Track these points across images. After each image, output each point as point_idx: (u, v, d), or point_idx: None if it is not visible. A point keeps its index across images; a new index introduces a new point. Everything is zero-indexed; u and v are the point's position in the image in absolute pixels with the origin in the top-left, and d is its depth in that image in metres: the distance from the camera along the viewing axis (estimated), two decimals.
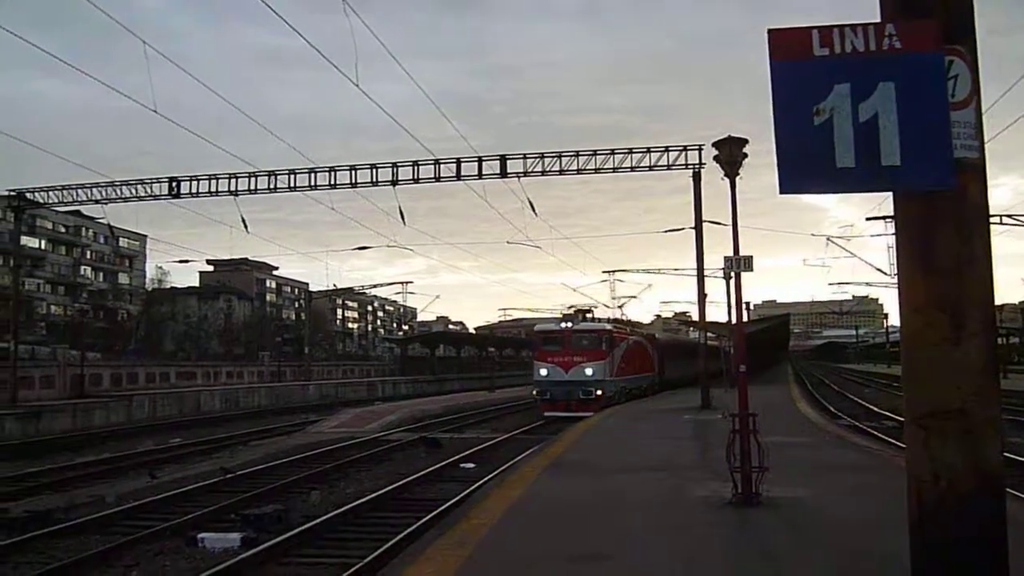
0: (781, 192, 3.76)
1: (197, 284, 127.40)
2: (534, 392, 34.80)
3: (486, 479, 16.11)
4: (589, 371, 33.20)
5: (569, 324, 34.81)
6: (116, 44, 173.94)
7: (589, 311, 37.32)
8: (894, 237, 4.02)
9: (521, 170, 33.40)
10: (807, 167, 3.71)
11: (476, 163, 33.68)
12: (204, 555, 11.57)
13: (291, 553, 11.47)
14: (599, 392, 32.84)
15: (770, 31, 3.83)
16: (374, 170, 34.13)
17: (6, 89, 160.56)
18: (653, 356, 44.67)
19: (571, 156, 33.39)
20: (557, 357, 33.71)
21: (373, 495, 15.40)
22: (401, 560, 8.72)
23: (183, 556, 11.60)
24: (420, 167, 33.86)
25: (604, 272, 52.95)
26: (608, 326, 36.53)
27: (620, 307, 49.50)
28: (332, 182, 34.56)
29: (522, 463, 15.87)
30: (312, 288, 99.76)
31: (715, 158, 12.51)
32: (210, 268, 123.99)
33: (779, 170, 3.71)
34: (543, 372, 33.93)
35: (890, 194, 4.01)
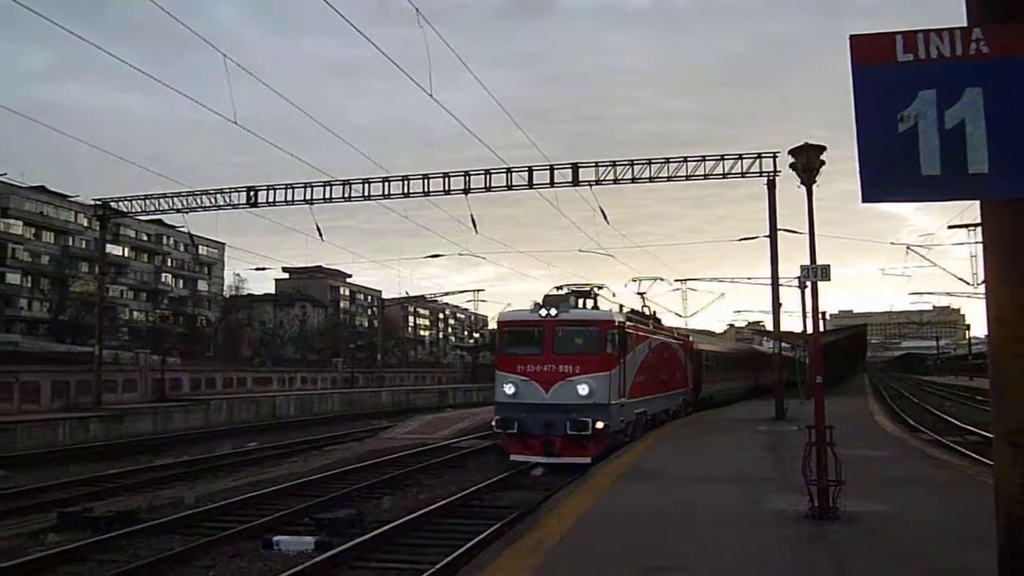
0: (864, 201, 3.69)
1: (273, 291, 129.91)
2: (493, 422, 20.80)
3: (558, 488, 16.08)
4: (584, 389, 19.70)
5: (552, 312, 20.45)
6: (195, 57, 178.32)
7: (591, 292, 22.57)
8: (979, 246, 3.93)
9: (593, 178, 33.27)
10: (890, 175, 3.63)
11: (548, 171, 33.65)
12: (279, 557, 11.77)
13: (364, 557, 11.60)
14: (600, 424, 19.36)
15: (852, 37, 3.77)
16: (446, 178, 34.36)
17: (89, 101, 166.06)
18: (686, 365, 32.22)
19: (643, 164, 33.15)
20: (532, 365, 20.21)
21: (444, 501, 15.49)
22: (472, 567, 8.76)
23: (259, 558, 11.81)
24: (492, 175, 33.98)
25: (676, 280, 52.33)
26: (618, 316, 21.89)
27: (640, 293, 29.53)
28: (406, 191, 34.85)
29: (595, 471, 15.80)
30: (384, 296, 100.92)
31: (791, 165, 12.33)
32: (286, 275, 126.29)
33: (861, 178, 3.65)
34: (508, 390, 20.23)
35: (973, 202, 3.91)
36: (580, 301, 21.84)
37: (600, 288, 22.90)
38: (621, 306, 23.69)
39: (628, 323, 22.29)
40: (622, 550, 9.36)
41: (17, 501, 16.98)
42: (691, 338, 34.92)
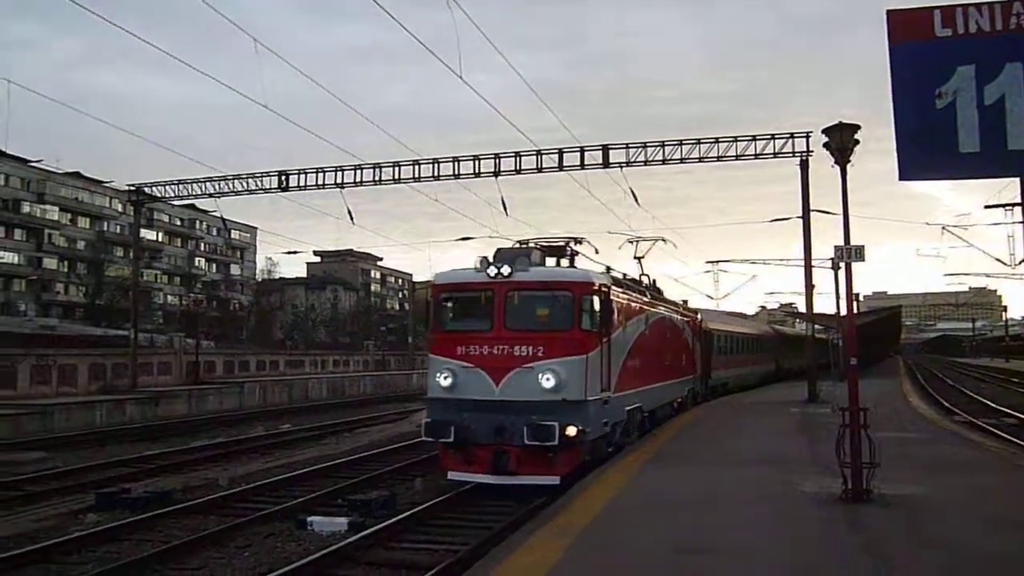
0: (901, 179, 3.65)
1: (304, 275, 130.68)
2: (423, 425, 15.14)
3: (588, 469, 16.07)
4: (549, 379, 13.97)
5: (504, 271, 14.69)
6: (226, 42, 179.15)
7: (565, 247, 17.01)
8: (1017, 227, 3.85)
9: (623, 160, 33.08)
10: (928, 153, 3.59)
11: (578, 153, 33.50)
12: (313, 538, 11.89)
13: (397, 538, 11.69)
14: (572, 429, 13.67)
15: (889, 12, 3.71)
16: (476, 161, 34.30)
17: (122, 87, 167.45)
18: (693, 346, 27.01)
19: (674, 145, 32.92)
20: (477, 346, 14.61)
21: (475, 483, 15.53)
22: (504, 548, 8.79)
23: (293, 538, 11.94)
24: (522, 158, 33.89)
25: (707, 262, 51.82)
26: (599, 277, 15.85)
27: (638, 257, 23.23)
28: (435, 174, 34.83)
29: (625, 454, 15.79)
30: (415, 279, 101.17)
31: (825, 145, 12.13)
32: (317, 259, 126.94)
33: (899, 156, 3.60)
34: (443, 381, 14.59)
35: (1012, 180, 3.85)
36: (551, 261, 16.17)
37: (579, 242, 17.01)
38: (609, 268, 17.62)
39: (615, 288, 16.12)
40: (653, 531, 9.36)
41: (57, 482, 17.29)
42: (700, 315, 29.85)
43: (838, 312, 35.84)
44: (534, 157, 33.69)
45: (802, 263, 32.66)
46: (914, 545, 8.71)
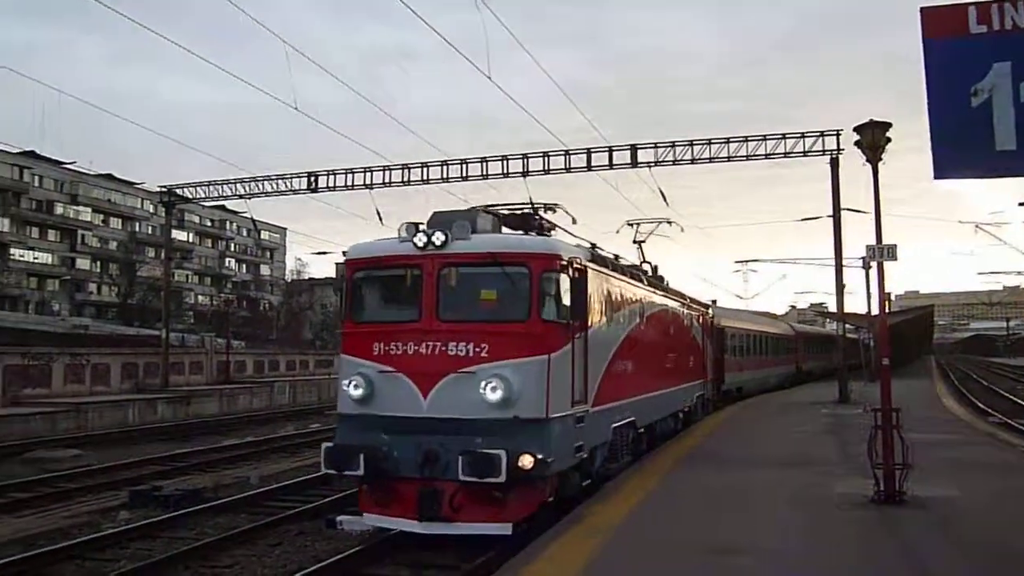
0: (936, 177, 3.60)
1: (334, 275, 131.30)
2: (323, 452, 10.94)
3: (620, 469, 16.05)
4: (495, 389, 10.07)
5: (436, 239, 10.74)
6: (256, 44, 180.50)
7: (533, 215, 12.93)
8: None
9: (652, 159, 32.98)
10: (964, 151, 3.54)
11: (607, 153, 33.44)
12: (342, 537, 11.92)
13: (429, 536, 11.68)
14: (527, 460, 9.75)
15: (923, 9, 3.66)
16: (505, 161, 34.31)
17: (153, 89, 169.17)
18: (703, 346, 23.52)
19: (703, 144, 32.76)
20: (400, 343, 10.73)
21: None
22: (537, 546, 8.78)
23: (323, 537, 11.99)
24: (550, 158, 33.87)
25: (737, 262, 51.54)
26: (568, 249, 11.52)
27: (638, 241, 19.96)
28: (464, 174, 34.88)
29: (657, 454, 15.74)
30: None
31: (856, 143, 12.04)
32: None
33: (934, 154, 3.55)
34: (353, 391, 10.80)
35: None
36: (499, 220, 12.20)
37: (552, 209, 13.34)
38: (594, 246, 13.37)
39: (594, 267, 12.25)
40: (684, 531, 9.32)
41: (90, 479, 17.49)
42: (711, 311, 26.34)
43: (869, 312, 35.59)
44: (562, 157, 33.65)
45: (832, 262, 32.41)
46: (948, 547, 8.61)
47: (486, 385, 10.00)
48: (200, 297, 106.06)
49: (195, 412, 35.62)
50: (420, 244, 10.69)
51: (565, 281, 10.93)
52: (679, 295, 20.67)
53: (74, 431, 27.49)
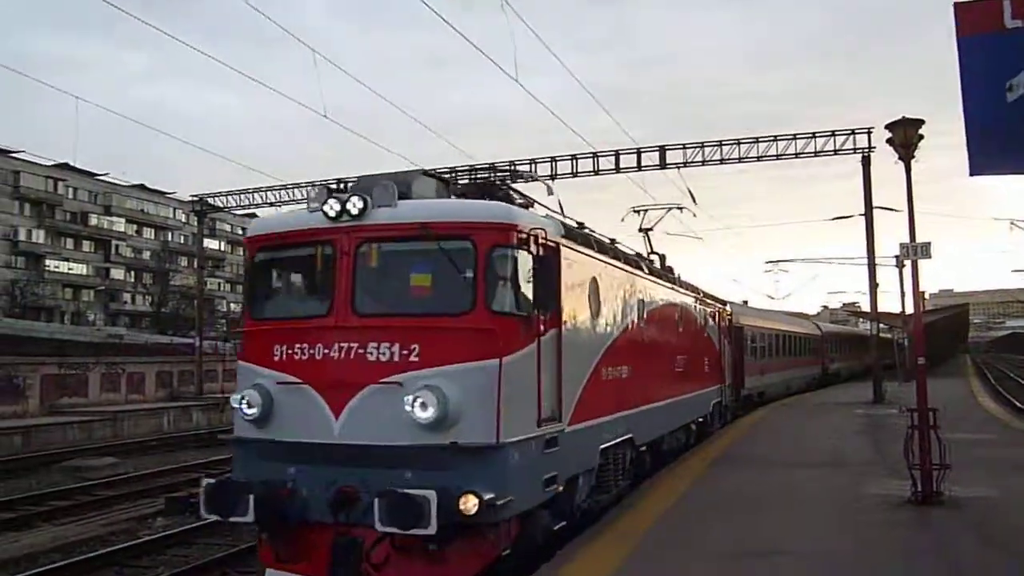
0: (972, 174, 3.55)
1: None
2: (203, 491, 8.28)
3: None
4: (426, 407, 7.54)
5: (353, 207, 8.25)
6: (284, 53, 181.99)
7: (496, 184, 11.03)
8: None
9: (680, 160, 32.87)
10: (1000, 147, 3.48)
11: (635, 155, 33.39)
12: None
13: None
14: (474, 502, 7.24)
15: (957, 4, 3.62)
16: (533, 164, 34.33)
17: (183, 99, 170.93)
18: (720, 347, 21.21)
19: (732, 144, 32.62)
20: (304, 346, 8.20)
21: None
22: (568, 550, 8.76)
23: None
24: (579, 160, 33.86)
25: (767, 262, 51.17)
26: (527, 219, 8.72)
27: (646, 229, 18.52)
28: (492, 178, 34.96)
29: (689, 456, 15.66)
30: None
31: (888, 141, 11.94)
32: None
33: (969, 151, 3.50)
34: (247, 408, 8.31)
35: None
36: (444, 185, 9.69)
37: (523, 178, 11.42)
38: (581, 225, 11.21)
39: (569, 245, 9.64)
40: (719, 533, 9.26)
41: (127, 487, 17.70)
42: (729, 308, 24.01)
43: (903, 311, 35.18)
44: (591, 160, 33.65)
45: (865, 261, 32.13)
46: (986, 549, 8.50)
47: (414, 400, 7.48)
48: (233, 305, 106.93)
49: (229, 419, 35.76)
50: (332, 214, 8.27)
51: (526, 260, 8.34)
52: (691, 289, 18.08)
53: (110, 439, 27.83)
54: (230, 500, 7.92)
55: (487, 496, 7.29)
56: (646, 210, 18.66)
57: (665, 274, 16.06)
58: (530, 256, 8.40)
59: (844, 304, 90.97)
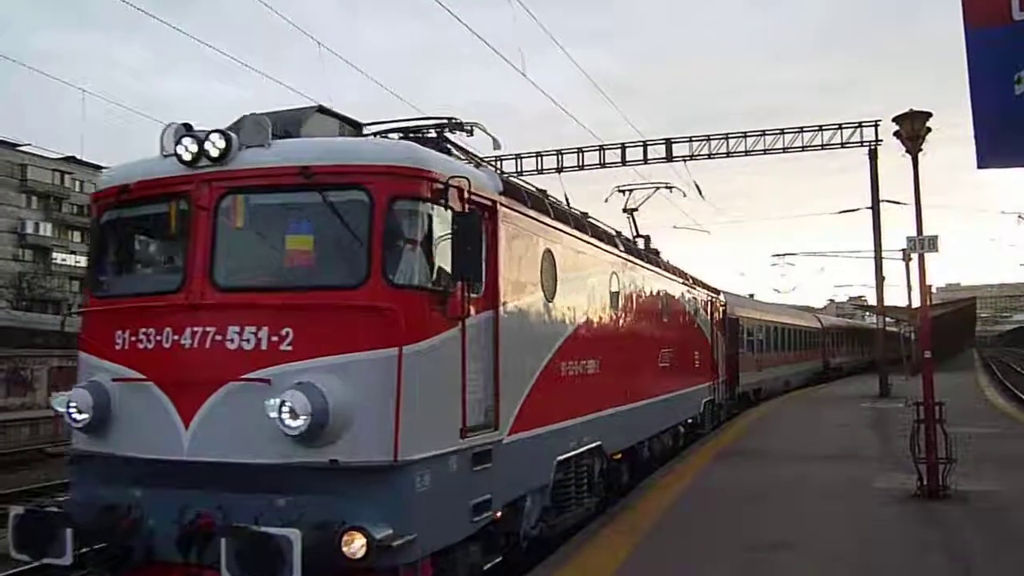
0: (979, 167, 3.54)
1: None
2: (11, 525, 6.20)
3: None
4: (296, 415, 5.62)
5: (212, 147, 6.26)
6: (289, 45, 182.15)
7: (434, 135, 8.17)
8: None
9: (687, 153, 32.85)
10: (1008, 139, 3.46)
11: (641, 148, 33.38)
12: None
13: None
14: (360, 542, 5.43)
15: None
16: (539, 158, 34.31)
17: (188, 92, 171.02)
18: (712, 340, 19.55)
19: (738, 137, 32.58)
20: (150, 330, 6.19)
21: None
22: (571, 546, 8.75)
23: None
24: (585, 153, 33.85)
25: (774, 256, 51.11)
26: (443, 166, 6.73)
27: (630, 210, 17.19)
28: (499, 170, 34.94)
29: (692, 451, 15.66)
30: None
31: (895, 134, 11.90)
32: None
33: (977, 144, 3.49)
34: (77, 415, 6.34)
35: None
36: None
37: (464, 128, 8.55)
38: (545, 194, 9.88)
39: (511, 204, 7.91)
40: (723, 529, 9.26)
41: None
42: (722, 297, 22.04)
43: (910, 305, 35.14)
44: (597, 153, 33.63)
45: (872, 255, 32.08)
46: (994, 543, 8.48)
47: (281, 404, 5.64)
48: None
49: None
50: (187, 158, 6.37)
51: (443, 219, 6.46)
52: (678, 274, 16.36)
53: None
54: (43, 535, 6.07)
55: (380, 534, 5.51)
56: (631, 190, 17.41)
57: (648, 255, 14.27)
58: (450, 213, 6.44)
59: (851, 298, 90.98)
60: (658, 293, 14.17)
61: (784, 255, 56.62)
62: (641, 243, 15.31)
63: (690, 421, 16.80)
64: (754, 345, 27.70)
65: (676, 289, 15.87)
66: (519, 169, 34.49)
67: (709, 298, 19.71)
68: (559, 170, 33.89)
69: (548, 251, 8.59)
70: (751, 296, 36.88)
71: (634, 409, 11.71)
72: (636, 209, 17.12)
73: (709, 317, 19.34)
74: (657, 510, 10.27)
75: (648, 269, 13.58)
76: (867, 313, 72.56)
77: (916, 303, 23.32)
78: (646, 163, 33.19)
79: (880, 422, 19.98)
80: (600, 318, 10.44)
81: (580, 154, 33.89)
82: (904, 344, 42.31)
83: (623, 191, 17.22)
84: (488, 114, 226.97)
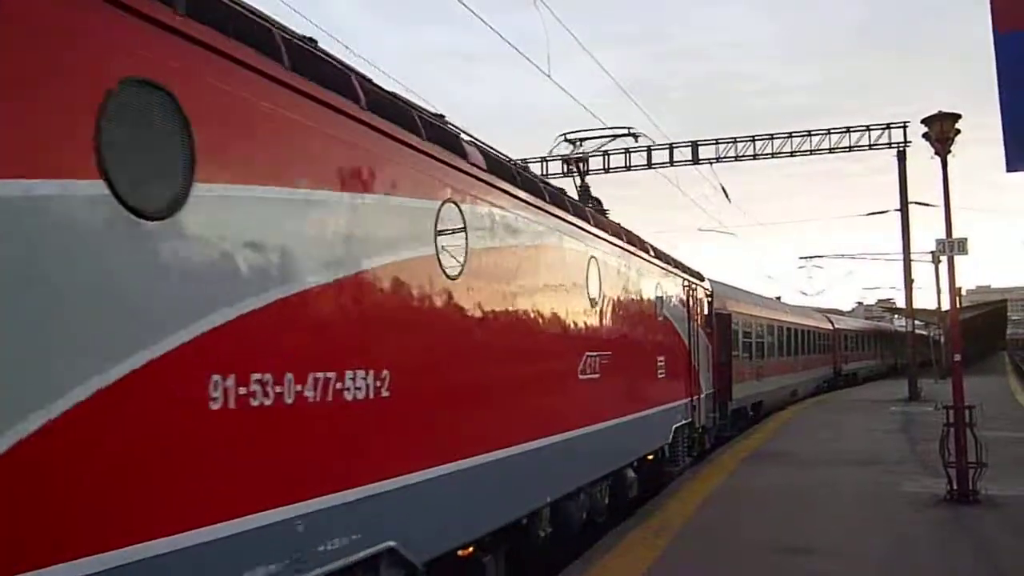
0: (1008, 170, 3.53)
1: None
2: None
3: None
4: None
5: None
6: None
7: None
8: None
9: (713, 155, 32.72)
10: None
11: (667, 150, 33.28)
12: None
13: None
14: None
15: (993, 0, 3.59)
16: (565, 162, 34.29)
17: None
18: (692, 340, 14.82)
19: (765, 139, 32.41)
20: None
21: None
22: (600, 547, 8.77)
23: None
24: (611, 156, 33.79)
25: (801, 258, 50.81)
26: None
27: (574, 162, 14.42)
28: (526, 171, 34.97)
29: (721, 453, 15.62)
30: None
31: (924, 135, 11.81)
32: None
33: (1006, 147, 3.48)
34: None
35: None
36: None
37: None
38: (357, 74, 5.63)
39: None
40: (750, 532, 9.24)
41: None
42: (708, 285, 17.31)
43: (939, 307, 34.82)
44: (623, 155, 33.57)
45: (900, 257, 31.82)
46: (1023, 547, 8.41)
47: None
48: None
49: None
50: None
51: None
52: (636, 242, 12.04)
53: None
54: None
55: None
56: (581, 140, 14.09)
57: (592, 209, 10.54)
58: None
59: (879, 300, 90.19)
60: (581, 261, 9.27)
61: (811, 258, 56.25)
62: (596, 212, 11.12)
63: (651, 457, 12.18)
64: (752, 348, 22.69)
65: (627, 263, 11.14)
66: (545, 171, 34.52)
67: (687, 285, 14.94)
68: (585, 173, 33.83)
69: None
70: (778, 299, 36.34)
71: (509, 459, 6.92)
72: (584, 159, 13.87)
73: (686, 309, 14.61)
74: (686, 511, 10.24)
75: (557, 212, 8.85)
76: (896, 316, 71.87)
77: (945, 305, 23.12)
78: (672, 165, 33.10)
79: (909, 426, 19.85)
80: (402, 280, 5.52)
81: (606, 157, 33.82)
82: (933, 347, 41.81)
83: (571, 140, 13.89)
84: (515, 116, 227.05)
